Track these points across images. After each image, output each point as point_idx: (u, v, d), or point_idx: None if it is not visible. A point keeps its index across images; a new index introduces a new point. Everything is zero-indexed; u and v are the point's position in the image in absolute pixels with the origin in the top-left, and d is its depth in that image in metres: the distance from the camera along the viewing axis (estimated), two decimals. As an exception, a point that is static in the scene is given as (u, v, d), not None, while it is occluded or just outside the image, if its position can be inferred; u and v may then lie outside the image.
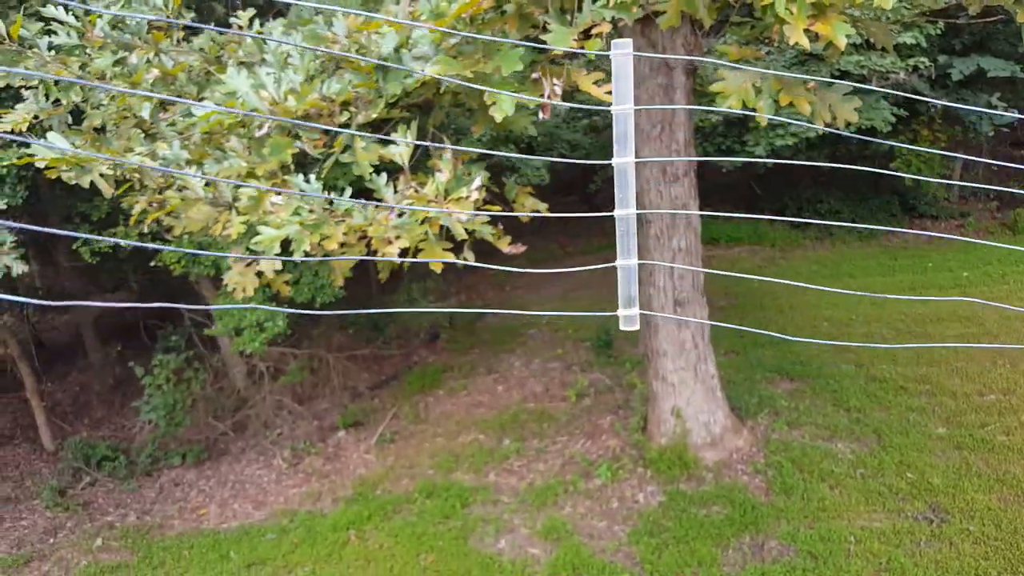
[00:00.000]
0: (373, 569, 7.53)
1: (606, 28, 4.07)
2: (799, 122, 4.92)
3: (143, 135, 5.08)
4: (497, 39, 4.19)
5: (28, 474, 10.84)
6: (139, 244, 8.14)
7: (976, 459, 7.80)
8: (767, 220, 16.92)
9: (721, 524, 7.40)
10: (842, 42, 3.86)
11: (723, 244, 16.15)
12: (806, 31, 3.85)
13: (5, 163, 8.48)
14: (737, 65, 4.70)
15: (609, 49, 4.34)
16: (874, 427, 8.65)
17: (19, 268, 7.84)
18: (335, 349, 11.78)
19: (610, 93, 4.11)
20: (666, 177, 7.52)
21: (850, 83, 3.87)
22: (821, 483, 7.77)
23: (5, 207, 8.15)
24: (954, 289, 12.92)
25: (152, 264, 9.63)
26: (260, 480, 9.76)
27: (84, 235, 6.81)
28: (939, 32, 12.31)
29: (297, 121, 4.04)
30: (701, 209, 8.01)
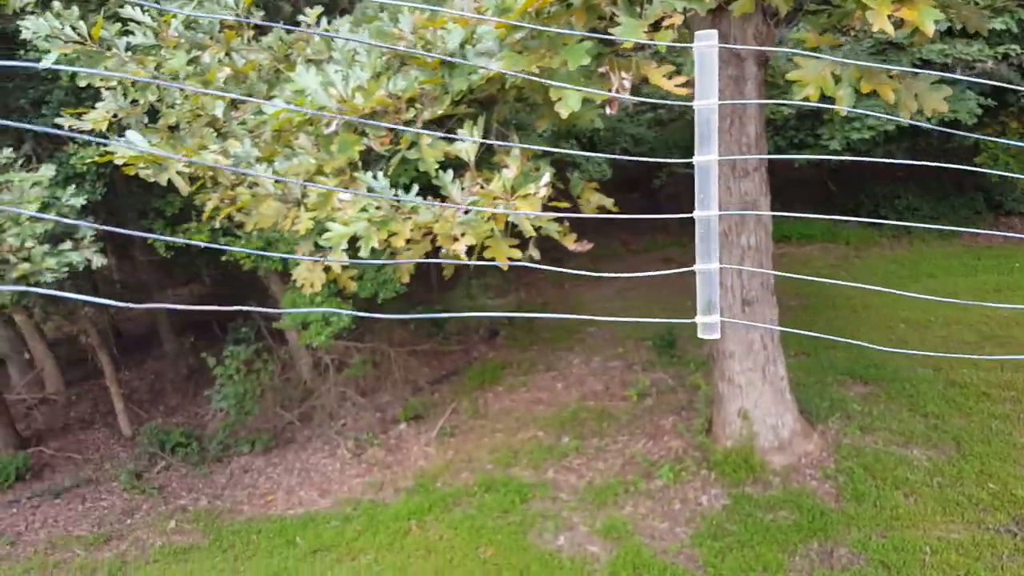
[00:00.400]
0: (433, 560, 7.59)
1: (678, 20, 3.95)
2: (877, 115, 4.68)
3: (215, 133, 5.22)
4: (564, 31, 4.13)
5: (107, 457, 11.36)
6: (208, 244, 8.43)
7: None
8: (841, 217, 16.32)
9: (788, 530, 7.18)
10: (930, 28, 3.65)
11: (795, 241, 15.65)
12: (890, 17, 3.66)
13: (86, 160, 8.87)
14: (814, 54, 4.52)
15: (678, 40, 4.23)
16: (953, 434, 8.25)
17: (98, 261, 8.21)
18: (397, 344, 11.94)
19: (682, 86, 4.01)
20: (735, 172, 7.32)
21: (935, 72, 3.67)
22: (895, 491, 7.46)
23: (85, 203, 8.52)
24: (1043, 291, 12.20)
25: (223, 259, 9.93)
26: (325, 469, 9.98)
27: (155, 235, 7.08)
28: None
29: (364, 120, 4.08)
30: (772, 205, 7.76)
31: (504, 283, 14.25)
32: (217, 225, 9.20)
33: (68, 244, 8.05)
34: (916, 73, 4.42)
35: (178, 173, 5.05)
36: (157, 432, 10.91)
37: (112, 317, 15.29)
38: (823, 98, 4.40)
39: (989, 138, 3.59)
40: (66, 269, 7.94)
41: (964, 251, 14.22)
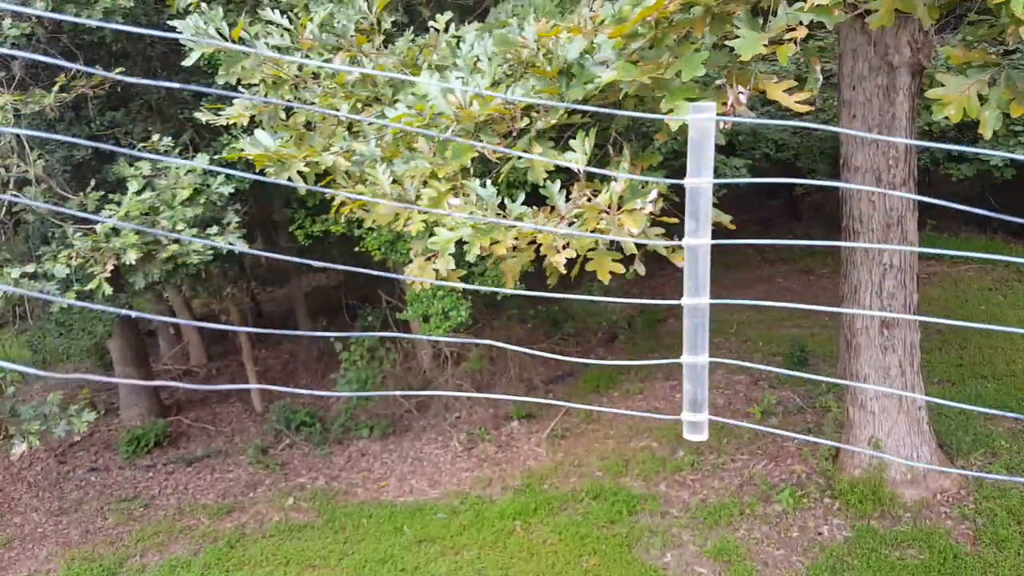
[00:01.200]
0: (535, 563, 7.59)
1: (801, 33, 3.70)
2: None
3: (347, 132, 5.39)
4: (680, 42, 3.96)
5: (238, 431, 12.11)
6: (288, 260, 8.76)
7: None
8: (1003, 236, 14.95)
9: (916, 569, 6.66)
10: None
11: (947, 261, 14.46)
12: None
13: (229, 157, 9.47)
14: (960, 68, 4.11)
15: (800, 53, 3.94)
16: (1118, 481, 7.37)
17: (241, 247, 8.74)
18: (514, 341, 12.03)
19: (803, 103, 3.76)
20: (881, 186, 6.83)
21: None
22: (1043, 537, 6.76)
23: (234, 191, 9.06)
24: None
25: (356, 249, 10.35)
26: (437, 459, 10.20)
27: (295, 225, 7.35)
28: None
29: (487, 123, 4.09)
30: (923, 222, 7.19)
31: (626, 287, 14.04)
32: (350, 218, 9.64)
33: (215, 229, 8.64)
34: None
35: (300, 172, 5.26)
36: (285, 411, 11.51)
37: (254, 298, 16.36)
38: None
39: None
40: (211, 252, 8.50)
41: None
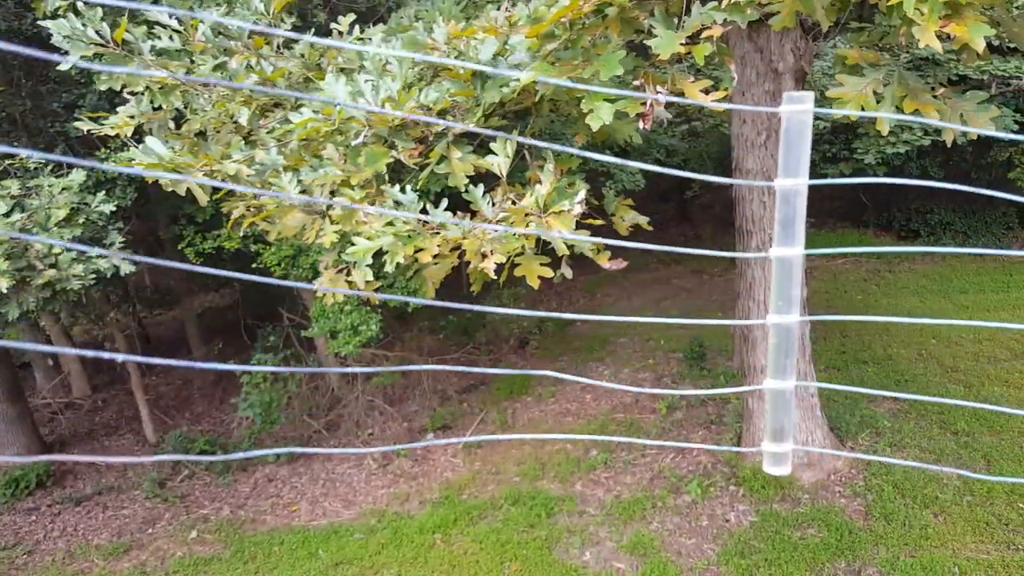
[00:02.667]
0: (457, 574, 7.54)
1: (716, 32, 3.90)
2: (917, 124, 4.59)
3: (243, 141, 5.15)
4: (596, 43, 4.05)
5: (130, 465, 11.36)
6: (201, 269, 8.43)
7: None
8: (873, 231, 16.17)
9: (816, 548, 7.08)
10: (980, 44, 3.57)
11: (825, 255, 15.51)
12: (937, 33, 3.59)
13: (119, 166, 8.93)
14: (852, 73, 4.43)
15: (714, 54, 4.16)
16: (984, 452, 8.12)
17: (127, 268, 8.24)
18: (426, 353, 11.93)
19: (719, 101, 3.96)
20: (771, 187, 7.24)
21: (982, 92, 3.58)
22: (924, 509, 7.35)
23: (115, 208, 8.53)
24: (1080, 308, 11.95)
25: (254, 266, 9.97)
26: (350, 479, 9.95)
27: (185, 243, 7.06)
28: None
29: (407, 123, 4.04)
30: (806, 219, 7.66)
31: (535, 293, 14.22)
32: (248, 233, 9.28)
33: (96, 250, 8.10)
34: (953, 84, 4.31)
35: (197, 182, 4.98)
36: (182, 439, 10.91)
37: (140, 323, 15.43)
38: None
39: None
40: (93, 276, 7.94)
41: (996, 267, 13.98)
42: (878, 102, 4.22)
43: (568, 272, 4.30)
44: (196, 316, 13.95)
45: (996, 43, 11.16)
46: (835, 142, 13.89)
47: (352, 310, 8.74)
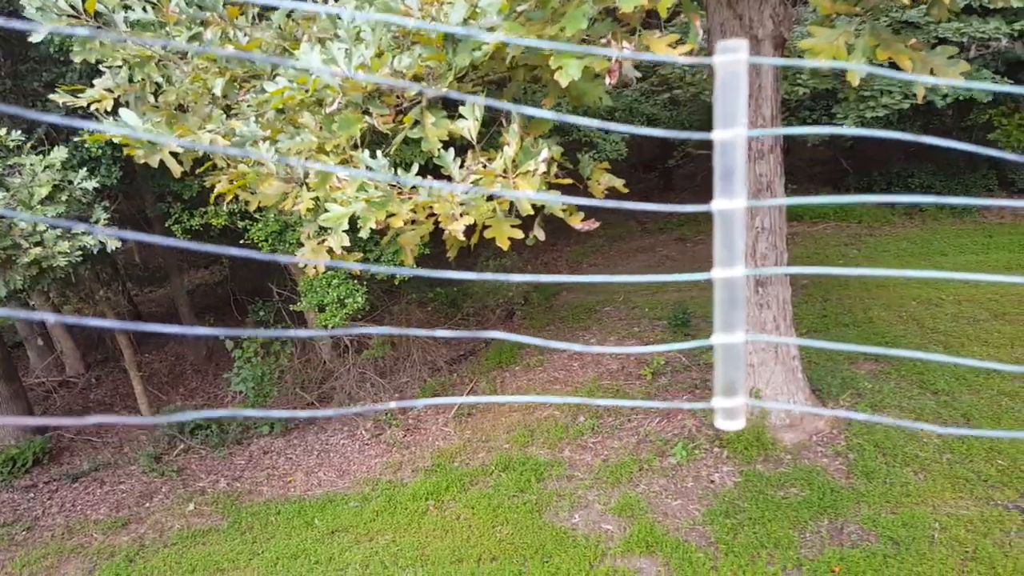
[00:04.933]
0: (450, 539, 7.75)
1: None
2: (888, 76, 4.67)
3: (223, 114, 5.13)
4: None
5: (126, 441, 11.48)
6: (187, 245, 8.48)
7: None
8: (854, 193, 16.31)
9: (799, 506, 7.30)
10: None
11: (807, 220, 15.65)
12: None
13: (91, 141, 8.84)
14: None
15: (680, 10, 4.18)
16: (963, 411, 8.34)
17: (113, 244, 8.26)
18: (414, 325, 12.06)
19: (685, 55, 3.99)
20: (751, 154, 7.35)
21: (952, 48, 3.64)
22: (905, 467, 7.56)
23: (99, 186, 8.50)
24: (1057, 268, 12.19)
25: (241, 242, 10.02)
26: (344, 450, 10.13)
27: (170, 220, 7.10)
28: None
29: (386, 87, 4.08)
30: (786, 185, 7.77)
31: (520, 264, 14.34)
32: (234, 209, 9.32)
33: (82, 227, 8.12)
34: (933, 47, 4.37)
35: (173, 154, 4.95)
36: (177, 414, 11.04)
37: (131, 300, 15.47)
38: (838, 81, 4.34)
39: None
40: (79, 253, 7.96)
41: (976, 229, 14.19)
42: (850, 53, 4.26)
43: (540, 234, 4.36)
44: (187, 293, 14.00)
45: (975, 4, 11.22)
46: (815, 108, 13.98)
47: (340, 283, 8.84)
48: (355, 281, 9.08)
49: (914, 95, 11.36)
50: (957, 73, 4.55)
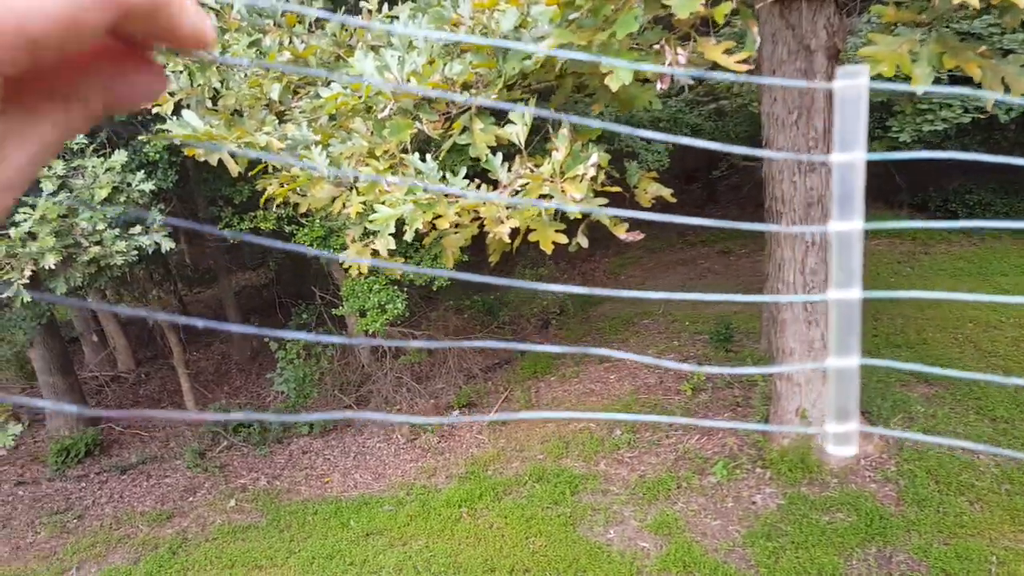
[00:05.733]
0: (483, 548, 7.69)
1: None
2: (955, 96, 4.48)
3: (276, 119, 5.26)
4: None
5: (173, 436, 11.76)
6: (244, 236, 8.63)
7: None
8: (908, 212, 15.83)
9: (845, 532, 7.04)
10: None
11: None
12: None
13: (156, 144, 9.14)
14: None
15: (737, 19, 4.06)
16: (1023, 439, 7.96)
17: (167, 245, 8.52)
18: (451, 332, 12.08)
19: (741, 63, 3.90)
20: (801, 167, 7.16)
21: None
22: (959, 497, 7.23)
23: (155, 189, 8.76)
24: None
25: (288, 244, 10.18)
26: (380, 453, 10.18)
27: (220, 226, 7.27)
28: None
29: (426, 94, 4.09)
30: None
31: (557, 273, 14.27)
32: (282, 215, 9.49)
33: (138, 228, 8.38)
34: (1004, 55, 4.16)
35: (231, 154, 5.11)
36: (221, 412, 11.27)
37: (182, 300, 15.87)
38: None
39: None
40: (135, 252, 8.24)
41: (1039, 249, 13.61)
42: (914, 62, 4.07)
43: (584, 241, 4.30)
44: (233, 294, 14.29)
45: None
46: (870, 120, 13.60)
47: (381, 289, 8.91)
48: (396, 287, 9.14)
49: (975, 108, 10.97)
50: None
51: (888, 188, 16.20)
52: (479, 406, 10.84)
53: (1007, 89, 4.04)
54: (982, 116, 11.47)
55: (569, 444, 9.35)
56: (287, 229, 9.75)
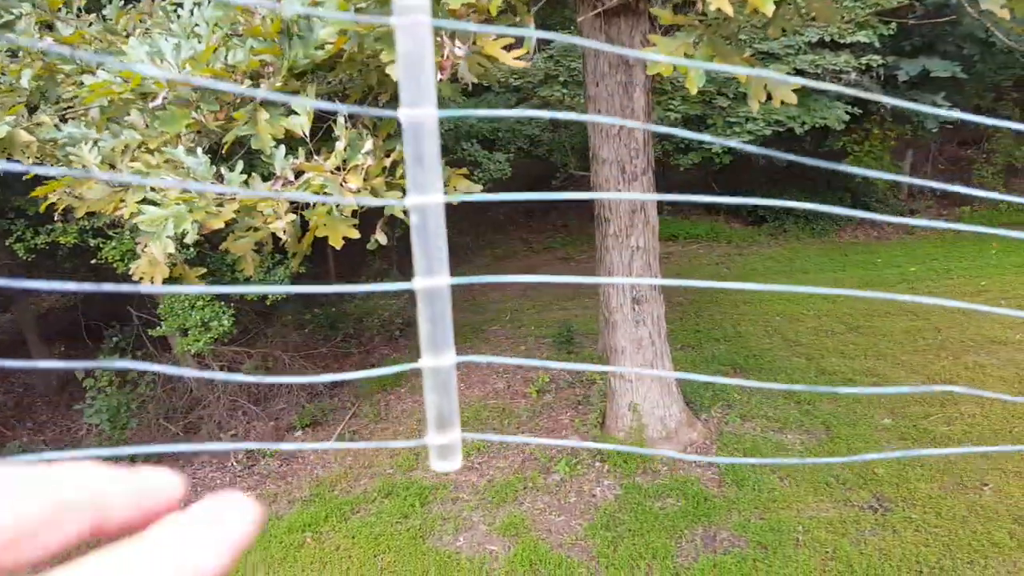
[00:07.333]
0: (329, 571, 7.42)
1: None
2: (758, 115, 4.91)
3: (24, 108, 4.66)
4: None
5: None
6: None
7: (919, 449, 8.03)
8: (724, 217, 17.19)
9: (675, 516, 7.48)
10: (769, 8, 3.72)
11: (681, 240, 16.35)
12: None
13: None
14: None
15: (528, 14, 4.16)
16: (823, 419, 8.84)
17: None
18: (291, 348, 11.57)
19: (520, 59, 3.99)
20: (625, 176, 7.55)
21: (807, 81, 3.82)
22: (772, 474, 7.91)
23: None
24: (901, 284, 13.27)
25: (93, 261, 9.28)
26: (213, 484, 9.53)
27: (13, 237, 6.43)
28: (891, 33, 12.61)
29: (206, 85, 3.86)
30: (660, 207, 8.04)
31: (401, 279, 14.12)
32: (86, 225, 8.63)
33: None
34: (769, 69, 4.58)
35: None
36: (20, 451, 10.08)
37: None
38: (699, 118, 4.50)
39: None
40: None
41: (833, 248, 15.27)
42: (689, 59, 4.40)
43: (383, 238, 4.16)
44: (35, 318, 12.86)
45: (828, 39, 12.14)
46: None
47: (204, 305, 8.31)
48: (222, 302, 8.57)
49: (776, 122, 12.13)
50: (789, 91, 4.75)
51: (707, 196, 17.54)
52: (324, 424, 10.46)
53: (769, 97, 4.45)
54: (781, 130, 12.71)
55: (419, 455, 9.25)
56: (92, 242, 8.80)
